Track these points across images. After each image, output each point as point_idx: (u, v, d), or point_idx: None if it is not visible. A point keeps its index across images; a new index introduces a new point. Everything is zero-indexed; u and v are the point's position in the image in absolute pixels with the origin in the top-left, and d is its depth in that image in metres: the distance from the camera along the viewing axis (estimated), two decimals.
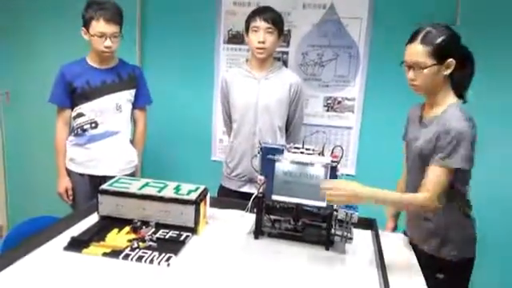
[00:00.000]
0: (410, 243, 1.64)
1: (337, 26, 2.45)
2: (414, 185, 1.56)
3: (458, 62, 1.47)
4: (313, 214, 1.52)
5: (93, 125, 2.19)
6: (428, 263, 1.52)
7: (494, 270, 2.44)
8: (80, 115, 2.18)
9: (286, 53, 2.54)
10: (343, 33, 2.45)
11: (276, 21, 2.09)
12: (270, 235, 1.59)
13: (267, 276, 1.32)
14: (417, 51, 1.46)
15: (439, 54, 1.44)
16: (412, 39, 1.48)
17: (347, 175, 2.29)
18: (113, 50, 2.12)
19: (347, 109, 2.53)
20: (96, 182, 2.15)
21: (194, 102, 2.74)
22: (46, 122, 2.42)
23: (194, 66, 2.69)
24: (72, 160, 2.24)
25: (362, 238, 1.61)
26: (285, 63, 2.51)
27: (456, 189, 1.51)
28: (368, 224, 1.69)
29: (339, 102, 2.54)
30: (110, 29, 2.05)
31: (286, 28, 2.29)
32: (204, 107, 2.73)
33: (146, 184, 1.66)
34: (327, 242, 1.51)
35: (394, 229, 1.85)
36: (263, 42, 2.07)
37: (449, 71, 1.47)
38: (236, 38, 2.59)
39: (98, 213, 1.62)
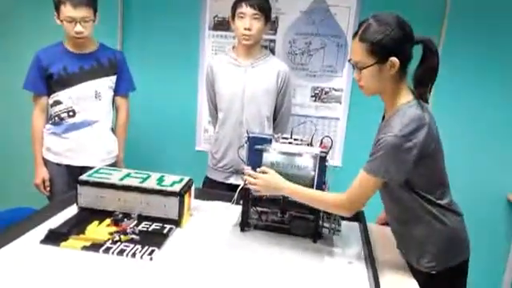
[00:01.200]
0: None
1: (325, 14, 2.40)
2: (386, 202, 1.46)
3: (405, 59, 1.27)
4: (300, 206, 1.48)
5: (70, 113, 2.09)
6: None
7: None
8: (57, 103, 2.08)
9: (273, 41, 2.48)
10: (331, 21, 2.40)
11: (263, 7, 2.03)
12: (257, 227, 1.55)
13: (254, 269, 1.28)
14: (356, 49, 1.29)
15: (378, 52, 1.25)
16: (354, 34, 1.31)
17: (334, 167, 2.26)
18: (85, 35, 2.01)
19: (334, 99, 2.50)
20: (74, 172, 2.07)
21: (177, 90, 2.66)
22: (22, 110, 2.32)
23: (178, 53, 2.60)
24: (49, 149, 2.15)
25: (349, 230, 1.59)
26: (272, 51, 2.46)
27: (420, 198, 1.33)
28: (356, 216, 1.66)
29: (326, 93, 2.50)
30: (79, 13, 1.94)
31: (273, 15, 2.24)
32: (188, 95, 2.65)
33: (128, 175, 1.60)
34: (315, 235, 1.48)
35: (386, 222, 1.81)
36: (249, 29, 2.01)
37: (394, 71, 1.26)
38: (222, 25, 2.52)
39: (77, 204, 1.55)
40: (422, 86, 1.32)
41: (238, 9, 2.03)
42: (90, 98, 2.10)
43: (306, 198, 1.40)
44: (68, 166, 2.15)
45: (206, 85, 2.24)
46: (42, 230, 1.40)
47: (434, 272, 1.35)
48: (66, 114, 2.09)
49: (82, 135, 2.12)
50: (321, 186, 1.44)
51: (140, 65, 2.64)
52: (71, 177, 2.09)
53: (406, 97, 1.31)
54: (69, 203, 1.60)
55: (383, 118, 1.43)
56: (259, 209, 1.54)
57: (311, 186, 1.43)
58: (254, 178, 1.43)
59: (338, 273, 1.31)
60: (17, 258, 1.24)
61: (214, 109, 2.23)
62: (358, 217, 1.66)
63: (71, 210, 1.57)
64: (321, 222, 1.47)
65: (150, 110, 2.71)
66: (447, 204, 1.36)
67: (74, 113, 2.09)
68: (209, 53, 2.56)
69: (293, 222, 1.52)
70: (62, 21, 1.97)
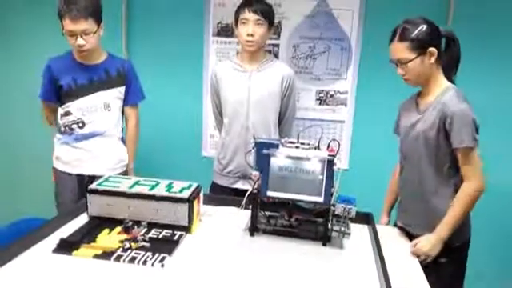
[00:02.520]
0: (407, 232, 1.66)
1: (328, 17, 2.41)
2: (410, 177, 1.62)
3: (439, 49, 1.55)
4: (309, 210, 1.49)
5: (80, 124, 2.11)
6: None
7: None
8: (67, 114, 2.11)
9: (277, 45, 2.50)
10: (335, 25, 2.42)
11: (265, 12, 2.05)
12: (266, 232, 1.55)
13: (265, 274, 1.29)
14: (397, 49, 1.55)
15: (418, 46, 1.52)
16: (391, 39, 1.57)
17: (342, 170, 2.27)
18: (88, 48, 1.98)
19: (340, 102, 2.51)
20: (83, 181, 2.10)
21: (182, 97, 2.68)
22: (31, 120, 2.34)
23: (183, 60, 2.62)
24: (58, 158, 2.17)
25: (358, 232, 1.59)
26: (275, 56, 2.47)
27: (454, 168, 1.56)
28: (364, 218, 1.66)
29: (331, 96, 2.51)
30: (79, 26, 1.90)
31: (276, 20, 2.25)
32: (193, 102, 2.67)
33: (137, 182, 1.61)
34: (324, 238, 1.48)
35: (388, 223, 1.85)
36: (252, 35, 2.03)
37: (433, 59, 1.54)
38: (225, 31, 2.54)
39: (87, 213, 1.57)
40: (449, 72, 1.61)
41: (241, 15, 2.05)
42: (100, 109, 2.11)
43: (458, 219, 1.53)
44: (78, 176, 2.15)
45: (211, 91, 2.25)
46: (53, 239, 1.41)
47: (458, 244, 1.57)
48: (76, 125, 2.11)
49: (91, 145, 2.13)
50: (329, 189, 1.44)
51: (145, 72, 2.65)
52: (80, 186, 2.11)
53: (445, 81, 1.59)
54: (79, 212, 1.61)
55: (417, 105, 1.65)
56: (268, 213, 1.54)
57: (319, 190, 1.43)
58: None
59: (348, 276, 1.31)
60: (30, 267, 1.26)
61: (219, 115, 2.25)
62: (367, 219, 1.66)
63: (82, 219, 1.58)
64: (330, 225, 1.48)
65: (156, 117, 2.72)
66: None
67: (84, 124, 2.11)
68: (213, 58, 2.58)
69: (302, 225, 1.52)
70: (64, 34, 1.96)
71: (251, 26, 2.02)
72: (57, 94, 2.10)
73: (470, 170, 1.52)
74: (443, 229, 1.52)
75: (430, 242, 1.51)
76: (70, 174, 2.16)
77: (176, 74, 2.66)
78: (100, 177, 1.70)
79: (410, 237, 1.63)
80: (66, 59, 2.10)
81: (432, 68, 1.56)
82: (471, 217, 1.62)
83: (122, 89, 2.17)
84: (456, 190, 1.55)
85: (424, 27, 1.52)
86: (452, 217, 1.52)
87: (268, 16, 2.06)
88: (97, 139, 2.14)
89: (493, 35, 2.31)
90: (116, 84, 2.14)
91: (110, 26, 2.60)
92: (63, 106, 2.11)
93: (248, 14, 2.02)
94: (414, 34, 1.52)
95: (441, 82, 1.59)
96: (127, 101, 2.22)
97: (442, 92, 1.57)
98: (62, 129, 2.14)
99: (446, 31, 1.59)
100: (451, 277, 1.61)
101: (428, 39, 1.52)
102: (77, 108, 2.09)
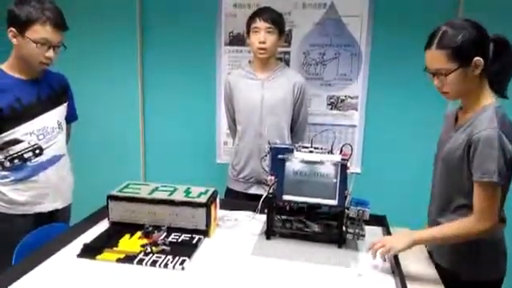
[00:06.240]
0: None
1: (337, 24, 2.46)
2: (438, 196, 1.47)
3: (487, 57, 1.29)
4: (324, 213, 1.52)
5: (37, 151, 1.72)
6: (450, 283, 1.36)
7: None
8: (14, 142, 1.67)
9: (288, 53, 2.55)
10: (344, 31, 2.46)
11: (276, 20, 2.10)
12: (282, 235, 1.59)
13: (282, 276, 1.32)
14: (435, 57, 1.29)
15: (461, 56, 1.26)
16: (428, 44, 1.32)
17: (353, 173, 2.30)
18: (53, 63, 1.70)
19: (351, 107, 2.54)
20: (41, 219, 1.76)
21: (196, 106, 2.74)
22: None
23: (196, 69, 2.69)
24: (11, 202, 1.72)
25: (373, 234, 1.61)
26: (287, 63, 2.52)
27: (466, 209, 1.36)
28: (378, 220, 1.69)
29: (342, 101, 2.54)
30: (57, 37, 1.64)
31: (286, 28, 2.30)
32: (207, 110, 2.73)
33: (156, 189, 1.66)
34: (340, 240, 1.51)
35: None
36: (264, 42, 2.08)
37: (478, 71, 1.28)
38: (237, 40, 2.59)
39: (108, 219, 1.62)
40: (500, 82, 1.35)
41: (253, 24, 2.10)
42: (55, 129, 1.79)
43: (442, 241, 1.38)
44: (35, 215, 1.77)
45: (225, 100, 2.30)
46: (77, 244, 1.47)
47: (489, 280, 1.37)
48: (31, 153, 1.71)
49: (53, 174, 1.79)
50: (343, 192, 1.47)
51: (159, 82, 2.74)
52: (35, 225, 1.71)
53: (490, 97, 1.34)
54: (100, 218, 1.67)
55: (456, 119, 1.44)
56: (283, 217, 1.58)
57: (334, 193, 1.47)
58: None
59: (364, 277, 1.33)
60: (56, 271, 1.31)
61: (233, 122, 2.29)
62: (381, 221, 1.68)
63: (103, 225, 1.63)
64: (344, 228, 1.50)
65: (170, 126, 2.79)
66: (502, 208, 1.36)
67: (41, 150, 1.73)
68: (225, 67, 2.63)
69: (317, 228, 1.55)
70: (32, 41, 1.59)
71: (263, 34, 2.07)
72: None
73: (482, 208, 1.27)
74: (422, 235, 1.36)
75: (401, 235, 1.38)
76: (24, 216, 1.75)
77: (190, 84, 2.72)
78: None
79: None
80: None
81: (476, 81, 1.31)
82: (507, 247, 1.41)
83: (65, 105, 1.88)
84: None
85: (469, 32, 1.26)
86: (439, 234, 1.35)
87: (278, 24, 2.11)
88: (57, 166, 1.81)
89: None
90: (62, 99, 1.86)
91: (126, 36, 2.71)
92: (3, 135, 1.66)
93: (259, 23, 2.08)
94: (456, 41, 1.26)
95: (483, 99, 1.34)
96: (69, 118, 1.93)
97: (480, 112, 1.32)
98: (8, 164, 1.69)
99: (496, 35, 1.32)
100: None
101: (473, 47, 1.26)
102: (28, 133, 1.69)
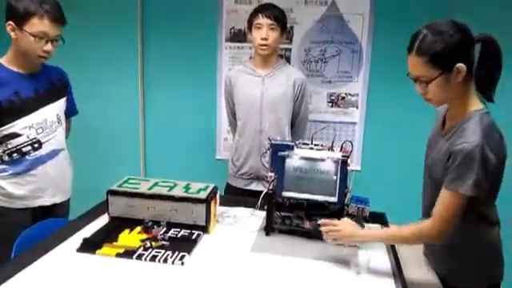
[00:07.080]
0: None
1: (339, 22, 2.45)
2: (426, 201, 1.44)
3: (471, 61, 1.22)
4: (323, 210, 1.52)
5: (36, 145, 1.72)
6: None
7: None
8: (13, 136, 1.68)
9: (289, 50, 2.54)
10: (345, 29, 2.45)
11: (278, 17, 2.09)
12: (281, 231, 1.59)
13: (281, 272, 1.32)
14: (416, 64, 1.23)
15: (442, 63, 1.20)
16: (409, 49, 1.25)
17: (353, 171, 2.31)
18: (50, 56, 1.70)
19: (351, 104, 2.54)
20: (39, 213, 1.78)
21: (197, 101, 2.73)
22: None
23: (197, 65, 2.68)
24: (10, 196, 1.72)
25: None
26: (287, 60, 2.51)
27: (479, 213, 1.31)
28: (378, 218, 1.69)
29: (343, 98, 2.54)
30: (55, 30, 1.64)
31: (288, 25, 2.29)
32: (207, 106, 2.73)
33: (156, 184, 1.66)
34: None
35: None
36: (266, 39, 2.07)
37: (461, 77, 1.21)
38: (238, 36, 2.59)
39: (108, 214, 1.62)
40: (487, 86, 1.26)
41: (255, 20, 2.10)
42: (54, 123, 1.79)
43: (395, 241, 1.38)
44: (34, 209, 1.78)
45: (225, 95, 2.30)
46: (76, 239, 1.47)
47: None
48: (29, 147, 1.71)
49: (51, 168, 1.80)
50: (343, 189, 1.48)
51: (160, 77, 2.74)
52: (33, 220, 1.73)
53: (477, 102, 1.27)
54: (100, 213, 1.67)
55: (443, 123, 1.38)
56: (283, 213, 1.58)
57: (333, 190, 1.47)
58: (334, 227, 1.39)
59: (362, 275, 1.33)
60: (56, 265, 1.31)
61: (233, 118, 2.29)
62: (381, 218, 1.69)
63: (102, 220, 1.63)
64: None
65: (171, 121, 2.79)
66: (494, 213, 1.34)
67: (40, 144, 1.74)
68: (226, 63, 2.63)
69: (316, 225, 1.55)
70: (30, 34, 1.60)
71: (265, 31, 2.07)
72: None
73: (442, 215, 1.23)
74: (376, 234, 1.40)
75: (359, 233, 1.38)
76: (23, 210, 1.76)
77: (190, 79, 2.72)
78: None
79: None
80: None
81: (459, 87, 1.24)
82: (503, 252, 1.36)
83: (65, 99, 1.89)
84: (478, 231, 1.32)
85: (450, 36, 1.18)
86: (393, 235, 1.35)
87: (281, 21, 2.10)
88: (56, 160, 1.82)
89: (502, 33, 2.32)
90: (61, 93, 1.86)
91: (127, 32, 2.70)
92: (2, 129, 1.66)
93: (262, 19, 2.07)
94: (436, 47, 1.18)
95: (469, 105, 1.27)
96: (68, 113, 1.94)
97: (466, 119, 1.25)
98: (6, 158, 1.70)
99: (483, 35, 1.23)
100: None
101: (454, 53, 1.19)
102: (26, 126, 1.70)
